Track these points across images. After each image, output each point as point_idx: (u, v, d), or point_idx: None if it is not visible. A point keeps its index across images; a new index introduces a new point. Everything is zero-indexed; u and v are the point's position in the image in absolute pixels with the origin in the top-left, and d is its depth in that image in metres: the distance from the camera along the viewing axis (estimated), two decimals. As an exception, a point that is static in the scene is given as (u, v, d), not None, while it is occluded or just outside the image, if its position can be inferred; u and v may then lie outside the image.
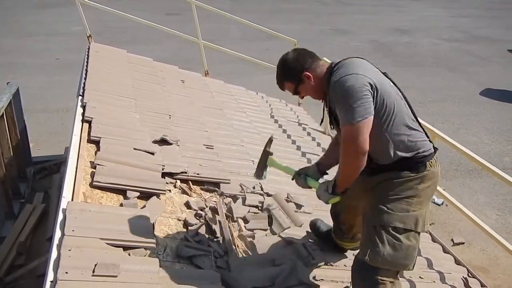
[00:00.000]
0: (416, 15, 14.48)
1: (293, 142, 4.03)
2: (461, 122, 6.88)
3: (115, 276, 1.56)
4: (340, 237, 2.27)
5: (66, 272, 1.50)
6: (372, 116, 1.66)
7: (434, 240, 3.29)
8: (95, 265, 1.55)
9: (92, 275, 1.53)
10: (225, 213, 2.35)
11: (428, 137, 1.87)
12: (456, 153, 3.15)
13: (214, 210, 2.36)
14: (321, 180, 2.03)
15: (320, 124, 2.14)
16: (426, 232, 1.89)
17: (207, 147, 3.02)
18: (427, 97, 7.73)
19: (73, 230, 1.69)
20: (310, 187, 2.05)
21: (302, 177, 2.04)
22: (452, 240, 4.16)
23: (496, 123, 6.88)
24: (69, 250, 1.60)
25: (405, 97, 1.86)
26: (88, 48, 4.05)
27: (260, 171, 2.14)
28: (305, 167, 2.10)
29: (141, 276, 1.63)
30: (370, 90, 1.66)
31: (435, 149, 1.87)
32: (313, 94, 1.90)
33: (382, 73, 1.84)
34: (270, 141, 2.13)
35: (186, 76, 4.56)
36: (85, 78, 3.25)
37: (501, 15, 14.97)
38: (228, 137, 3.44)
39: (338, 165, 1.90)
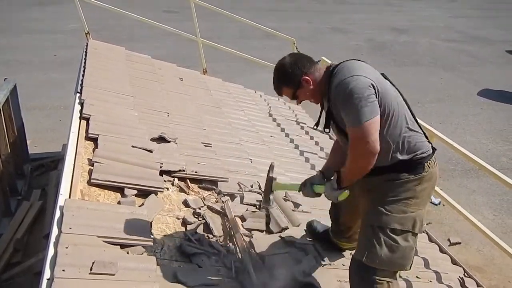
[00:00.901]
0: (414, 14, 14.50)
1: (291, 140, 4.03)
2: (459, 122, 6.89)
3: (113, 274, 1.55)
4: (338, 237, 2.28)
5: (63, 270, 1.49)
6: (379, 116, 1.65)
7: (430, 240, 3.30)
8: (93, 263, 1.55)
9: (90, 273, 1.52)
10: (221, 211, 2.35)
11: (427, 138, 1.87)
12: (454, 153, 3.16)
13: (212, 209, 2.36)
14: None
15: (314, 128, 2.07)
16: (423, 232, 1.88)
17: (205, 145, 3.02)
18: (425, 97, 7.75)
19: (70, 228, 1.69)
20: (318, 195, 1.98)
21: (308, 186, 1.98)
22: (448, 240, 4.17)
23: (493, 123, 6.90)
24: (66, 247, 1.59)
25: (404, 98, 1.85)
26: (86, 45, 4.04)
27: (267, 198, 2.12)
28: (310, 177, 2.04)
29: (139, 274, 1.62)
30: (373, 91, 1.65)
31: (434, 149, 1.86)
32: (312, 98, 1.88)
33: (381, 74, 1.83)
34: (271, 167, 2.10)
35: (184, 74, 4.55)
36: (83, 75, 3.24)
37: (499, 15, 15.00)
38: (226, 135, 3.44)
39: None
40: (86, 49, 3.93)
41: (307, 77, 1.80)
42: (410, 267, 1.86)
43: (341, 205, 2.13)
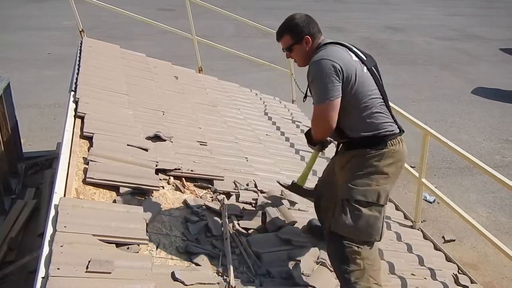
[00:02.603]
0: (410, 13, 14.55)
1: (287, 139, 4.03)
2: (453, 121, 6.93)
3: (109, 273, 1.55)
4: None
5: (58, 268, 1.49)
6: (339, 99, 1.83)
7: (425, 237, 3.32)
8: (89, 262, 1.54)
9: (86, 272, 1.52)
10: (219, 211, 2.35)
11: (395, 121, 2.00)
12: (448, 151, 3.18)
13: (210, 208, 2.36)
14: None
15: (304, 100, 2.22)
16: (386, 204, 1.99)
17: (200, 144, 3.02)
18: (420, 95, 7.78)
19: (65, 226, 1.68)
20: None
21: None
22: (443, 237, 4.20)
23: (487, 121, 6.95)
24: (61, 246, 1.58)
25: (381, 83, 1.98)
26: (81, 43, 4.01)
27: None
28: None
29: (135, 272, 1.62)
30: (338, 74, 1.82)
31: (401, 131, 1.99)
32: (301, 58, 2.04)
33: (365, 57, 1.98)
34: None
35: (179, 72, 4.53)
36: (77, 73, 3.22)
37: (494, 13, 15.09)
38: (221, 134, 3.44)
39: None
40: (81, 46, 3.90)
41: (309, 37, 1.98)
42: (380, 238, 1.96)
43: (322, 190, 2.29)
